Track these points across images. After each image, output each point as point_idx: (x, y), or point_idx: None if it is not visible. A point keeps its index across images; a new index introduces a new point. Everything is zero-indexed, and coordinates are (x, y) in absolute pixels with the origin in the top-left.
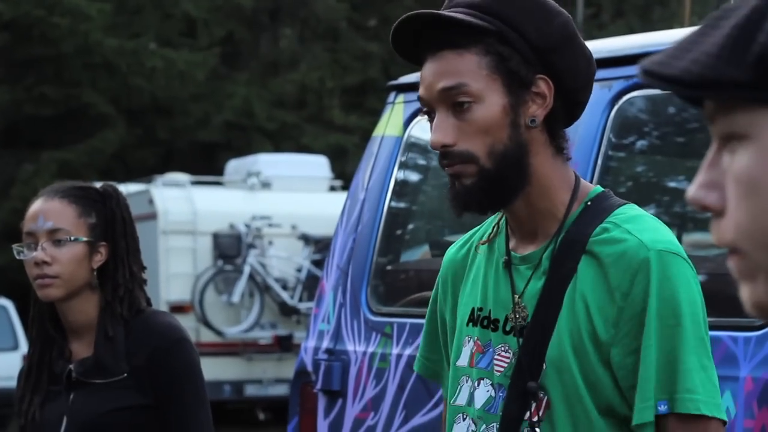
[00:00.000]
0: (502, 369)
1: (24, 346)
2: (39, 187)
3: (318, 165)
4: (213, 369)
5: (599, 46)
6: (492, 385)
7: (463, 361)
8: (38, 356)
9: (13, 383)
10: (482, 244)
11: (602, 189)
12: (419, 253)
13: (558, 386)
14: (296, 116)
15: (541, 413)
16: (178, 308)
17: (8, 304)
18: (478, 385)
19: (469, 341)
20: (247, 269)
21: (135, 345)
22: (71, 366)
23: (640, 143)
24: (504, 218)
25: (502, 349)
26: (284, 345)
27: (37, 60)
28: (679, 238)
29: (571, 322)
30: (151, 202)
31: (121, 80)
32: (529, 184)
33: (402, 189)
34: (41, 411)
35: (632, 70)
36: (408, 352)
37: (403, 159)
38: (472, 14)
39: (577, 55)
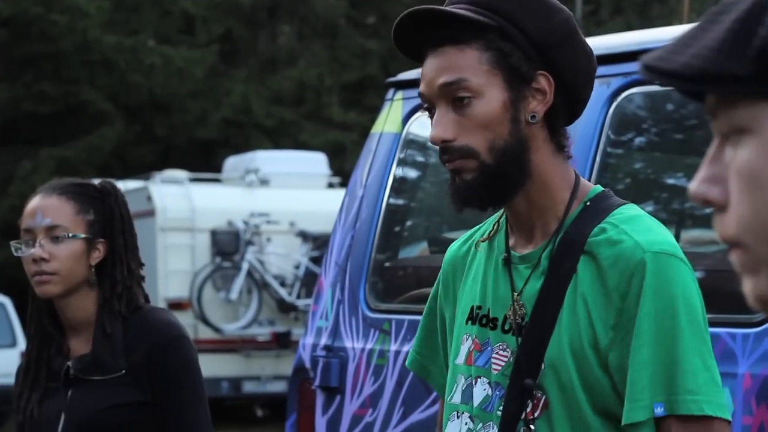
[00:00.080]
0: (499, 368)
1: (22, 343)
2: (37, 184)
3: (316, 162)
4: (211, 366)
5: (598, 43)
6: (489, 383)
7: (461, 359)
8: (36, 353)
9: (11, 380)
10: (482, 241)
11: (602, 188)
12: (418, 250)
13: (556, 387)
14: (295, 113)
15: (538, 412)
16: (177, 305)
17: (6, 301)
18: (476, 383)
19: (467, 339)
20: (245, 266)
21: (133, 342)
22: (69, 363)
23: (639, 140)
24: (504, 216)
25: (501, 347)
26: (282, 342)
27: (36, 57)
28: (678, 236)
29: (572, 325)
30: (149, 199)
31: (119, 77)
32: (529, 180)
33: (400, 186)
34: (39, 408)
35: (631, 67)
36: (406, 348)
37: (402, 156)
38: (474, 10)
39: (578, 52)
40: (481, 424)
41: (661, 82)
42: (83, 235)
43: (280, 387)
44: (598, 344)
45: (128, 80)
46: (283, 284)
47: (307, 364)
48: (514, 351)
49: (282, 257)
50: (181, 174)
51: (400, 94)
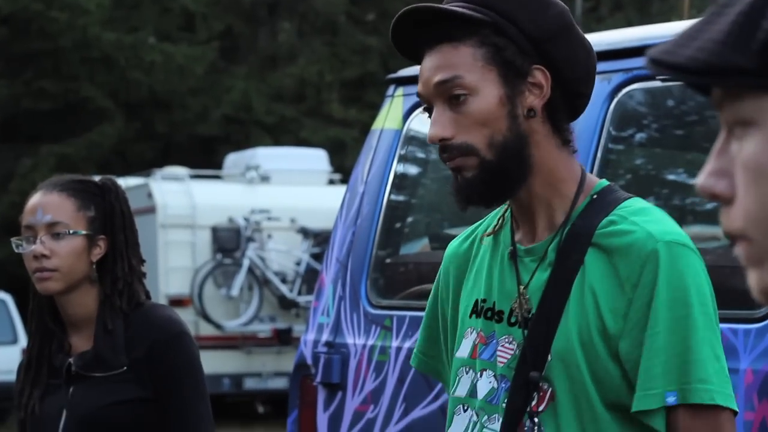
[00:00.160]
0: (505, 360)
1: (23, 340)
2: (38, 181)
3: (317, 158)
4: (212, 362)
5: (598, 39)
6: (495, 376)
7: (464, 352)
8: (38, 350)
9: (12, 377)
10: (487, 235)
11: (608, 182)
12: (419, 246)
13: (563, 378)
14: (295, 110)
15: (544, 405)
16: (177, 302)
17: (7, 298)
18: (481, 376)
19: (471, 333)
20: (246, 263)
21: (134, 338)
22: (71, 359)
23: (640, 136)
24: (509, 210)
25: (506, 340)
26: (283, 338)
27: (36, 54)
28: None
29: (579, 315)
30: (149, 195)
31: (119, 74)
32: (532, 175)
33: (401, 182)
34: (41, 404)
35: (631, 63)
36: (408, 344)
37: (403, 152)
38: (467, 6)
39: (575, 45)
40: (486, 417)
41: (667, 75)
42: (84, 232)
43: (281, 383)
44: (607, 333)
45: (128, 77)
46: (284, 281)
47: (309, 361)
48: (521, 343)
49: (283, 254)
50: (181, 171)
51: (400, 91)
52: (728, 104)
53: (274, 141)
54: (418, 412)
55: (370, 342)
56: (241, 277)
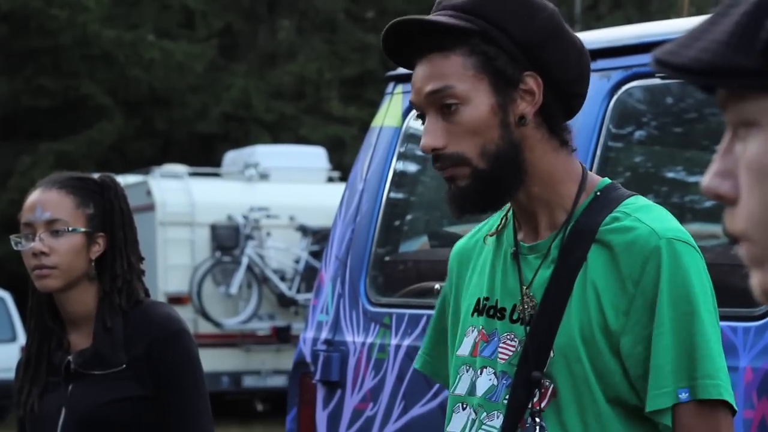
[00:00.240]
0: (506, 357)
1: (22, 338)
2: (37, 179)
3: (316, 156)
4: (211, 360)
5: (597, 37)
6: (495, 373)
7: (464, 350)
8: (37, 347)
9: (11, 375)
10: (490, 235)
11: (610, 180)
12: (418, 244)
13: (566, 374)
14: (294, 107)
15: (546, 401)
16: (176, 299)
17: (6, 296)
18: (481, 373)
19: (472, 331)
20: (245, 260)
21: (134, 336)
22: (70, 357)
23: (639, 133)
24: (512, 210)
25: (508, 337)
26: (282, 336)
27: (36, 51)
28: None
29: (581, 311)
30: (149, 193)
31: (119, 71)
32: (528, 179)
33: (400, 179)
34: (40, 402)
35: (631, 60)
36: (407, 342)
37: (402, 150)
38: (456, 16)
39: (566, 47)
40: (485, 414)
41: (672, 76)
42: (83, 229)
43: (280, 381)
44: (608, 329)
45: (128, 74)
46: (283, 278)
47: (308, 359)
48: (522, 340)
49: (282, 251)
50: (180, 168)
51: (399, 88)
52: (732, 105)
53: (273, 139)
54: (417, 410)
55: (370, 340)
56: (240, 275)
